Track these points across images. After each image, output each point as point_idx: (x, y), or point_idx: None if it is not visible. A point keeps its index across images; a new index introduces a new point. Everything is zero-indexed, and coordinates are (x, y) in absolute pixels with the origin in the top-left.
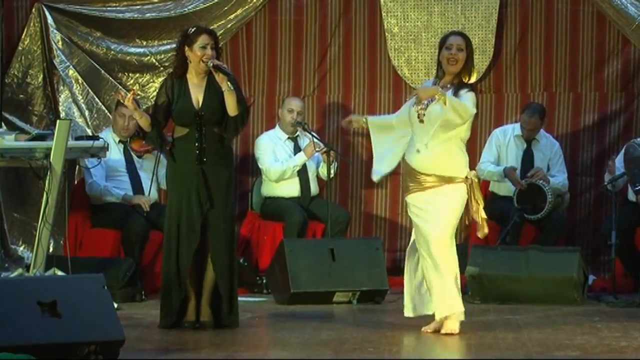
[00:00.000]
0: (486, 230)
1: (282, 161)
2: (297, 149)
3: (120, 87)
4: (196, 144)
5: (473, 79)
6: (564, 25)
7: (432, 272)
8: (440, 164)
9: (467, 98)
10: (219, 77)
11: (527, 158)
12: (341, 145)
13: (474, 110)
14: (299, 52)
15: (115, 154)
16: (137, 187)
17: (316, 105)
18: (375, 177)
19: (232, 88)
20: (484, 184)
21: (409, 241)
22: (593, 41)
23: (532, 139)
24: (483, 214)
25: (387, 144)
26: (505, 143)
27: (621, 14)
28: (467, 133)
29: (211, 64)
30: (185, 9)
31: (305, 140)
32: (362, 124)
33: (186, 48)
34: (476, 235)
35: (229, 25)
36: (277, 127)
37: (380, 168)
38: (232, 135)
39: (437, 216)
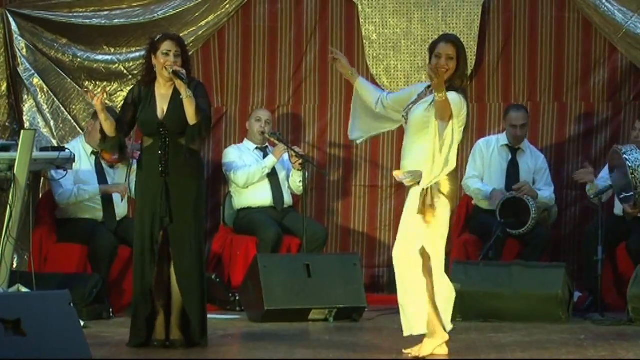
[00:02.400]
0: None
1: (249, 165)
2: (266, 157)
3: (89, 89)
4: (160, 155)
5: (465, 84)
6: (549, 33)
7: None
8: (414, 167)
9: (454, 102)
10: (178, 84)
11: (513, 169)
12: (317, 156)
13: (451, 111)
14: (273, 60)
15: (86, 164)
16: (108, 200)
17: (291, 116)
18: (356, 137)
19: (190, 95)
20: (467, 197)
21: (388, 257)
22: (579, 49)
23: (517, 148)
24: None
25: (369, 113)
26: (489, 154)
27: (608, 20)
28: (457, 135)
29: (171, 70)
30: (155, 15)
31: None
32: (347, 74)
33: (152, 56)
34: (458, 250)
35: (200, 32)
36: (245, 139)
37: (359, 131)
38: (191, 145)
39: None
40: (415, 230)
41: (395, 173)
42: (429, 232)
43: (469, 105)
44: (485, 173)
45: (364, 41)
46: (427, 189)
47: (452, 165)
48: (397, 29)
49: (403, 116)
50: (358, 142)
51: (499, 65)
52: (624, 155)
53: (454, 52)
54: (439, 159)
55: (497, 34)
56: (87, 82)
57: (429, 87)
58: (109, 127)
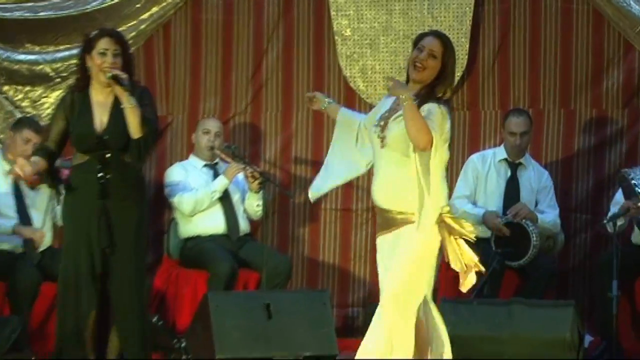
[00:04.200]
0: (473, 280)
1: (196, 188)
2: (217, 177)
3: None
4: (98, 175)
5: (449, 93)
6: (554, 28)
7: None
8: (400, 196)
9: (432, 114)
10: (118, 91)
11: (512, 188)
12: (280, 175)
13: (433, 135)
14: (228, 60)
15: (1, 186)
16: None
17: (249, 126)
18: (313, 195)
19: (133, 104)
20: None
21: (364, 294)
22: (589, 47)
23: (518, 163)
24: (468, 260)
25: (347, 154)
26: (484, 172)
27: (623, 13)
28: (442, 155)
29: (110, 75)
30: (88, 7)
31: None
32: (323, 106)
33: (87, 56)
34: (446, 286)
35: (143, 27)
36: (191, 156)
37: (323, 184)
38: (135, 162)
39: (393, 269)
40: (417, 276)
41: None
42: (395, 271)
43: (453, 120)
44: (480, 193)
45: (336, 37)
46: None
47: (445, 199)
48: (374, 22)
49: (377, 134)
50: (313, 198)
51: (495, 66)
52: (633, 181)
53: (439, 51)
54: (429, 202)
55: (492, 28)
56: (6, 87)
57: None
58: (41, 168)
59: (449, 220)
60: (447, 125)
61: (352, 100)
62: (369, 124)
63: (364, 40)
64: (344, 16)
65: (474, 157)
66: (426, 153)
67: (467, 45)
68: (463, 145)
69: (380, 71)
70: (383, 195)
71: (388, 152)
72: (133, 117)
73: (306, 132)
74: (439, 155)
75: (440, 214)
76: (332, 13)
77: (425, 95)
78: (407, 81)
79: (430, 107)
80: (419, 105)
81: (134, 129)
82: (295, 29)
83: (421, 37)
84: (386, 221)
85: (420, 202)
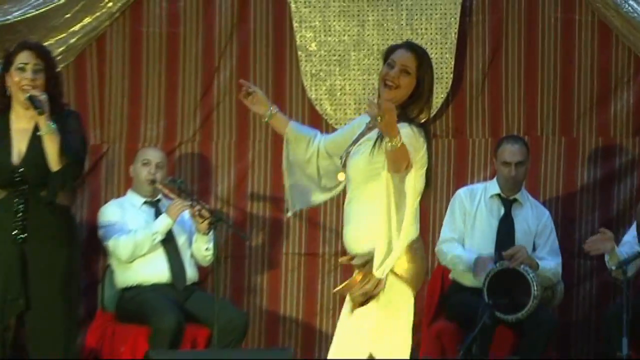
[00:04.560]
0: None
1: (135, 229)
2: (159, 216)
3: None
4: (16, 214)
5: (425, 116)
6: (554, 42)
7: None
8: (373, 237)
9: (404, 136)
10: (38, 116)
11: (506, 229)
12: (234, 213)
13: (410, 159)
14: (173, 79)
15: None
16: None
17: (198, 157)
18: (290, 211)
19: (51, 130)
20: (442, 269)
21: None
22: (594, 64)
23: (513, 199)
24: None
25: (311, 180)
26: (472, 209)
27: (633, 25)
28: (416, 183)
29: (27, 95)
30: (10, 17)
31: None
32: (266, 114)
33: (6, 74)
34: (428, 343)
35: (73, 40)
36: (129, 191)
37: (299, 200)
38: (50, 198)
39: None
40: (362, 333)
41: (342, 260)
42: (381, 333)
43: (430, 146)
44: (468, 234)
45: (299, 53)
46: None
47: (414, 232)
48: (344, 35)
49: (342, 163)
50: (289, 214)
51: (484, 86)
52: None
53: (413, 66)
54: (396, 231)
55: (482, 42)
56: None
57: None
58: None
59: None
60: (423, 149)
61: (319, 125)
62: (334, 149)
63: (332, 56)
64: (309, 28)
65: (461, 193)
66: (401, 175)
67: (453, 62)
68: (448, 178)
69: (350, 92)
70: (353, 237)
71: (352, 183)
72: (51, 145)
73: (264, 164)
74: (413, 182)
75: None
76: (295, 24)
77: (399, 116)
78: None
79: (405, 133)
80: None
81: (52, 159)
82: (251, 43)
83: (391, 50)
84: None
85: (385, 229)
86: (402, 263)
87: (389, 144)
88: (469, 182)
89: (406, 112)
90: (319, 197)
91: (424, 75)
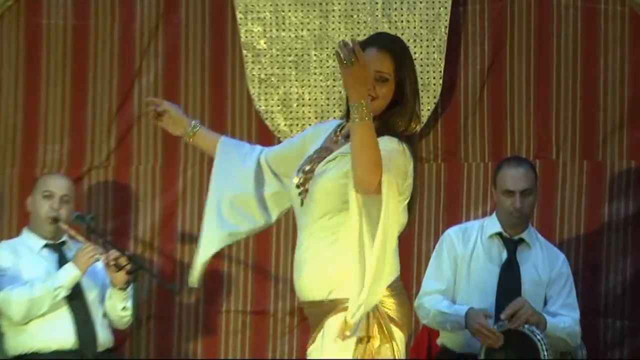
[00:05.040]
0: None
1: (31, 281)
2: (63, 263)
3: None
4: None
5: (414, 128)
6: (572, 39)
7: None
8: (334, 278)
9: (388, 150)
10: None
11: (509, 280)
12: (159, 260)
13: (384, 175)
14: (81, 86)
15: None
16: None
17: (113, 186)
18: (192, 278)
19: None
20: (427, 331)
21: None
22: (625, 67)
23: (518, 239)
24: None
25: (241, 203)
26: (467, 253)
27: None
28: (396, 213)
29: None
30: None
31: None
32: (186, 132)
33: None
34: None
35: None
36: (24, 231)
37: (204, 250)
38: None
39: None
40: None
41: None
42: None
43: (416, 165)
44: (461, 285)
45: (244, 52)
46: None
47: (395, 271)
48: (302, 30)
49: (296, 187)
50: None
51: (484, 96)
52: None
53: (390, 70)
54: (371, 268)
55: (481, 40)
56: None
57: (341, 127)
58: None
59: (385, 313)
60: (410, 172)
61: (269, 145)
62: (281, 165)
63: (287, 57)
64: (257, 20)
65: (451, 233)
66: (374, 198)
67: (443, 65)
68: (437, 213)
69: (311, 103)
70: (309, 280)
71: (314, 213)
72: None
73: (198, 195)
74: (392, 211)
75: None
76: (239, 16)
77: (379, 129)
78: (348, 115)
79: (385, 141)
80: None
81: None
82: (182, 38)
83: (363, 46)
84: (317, 319)
85: (359, 267)
86: (389, 304)
87: (354, 114)
88: (463, 217)
89: (389, 125)
90: (260, 222)
91: (405, 77)
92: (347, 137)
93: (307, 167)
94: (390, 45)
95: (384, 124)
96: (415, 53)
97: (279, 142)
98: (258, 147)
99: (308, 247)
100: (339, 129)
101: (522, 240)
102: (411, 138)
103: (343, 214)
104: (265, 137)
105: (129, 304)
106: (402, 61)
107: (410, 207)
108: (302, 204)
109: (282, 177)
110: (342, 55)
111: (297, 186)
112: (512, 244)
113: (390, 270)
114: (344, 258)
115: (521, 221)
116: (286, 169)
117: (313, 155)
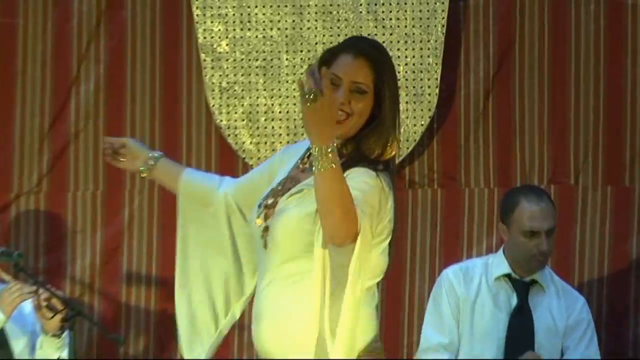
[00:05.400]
0: None
1: None
2: None
3: None
4: None
5: (391, 153)
6: (594, 39)
7: None
8: (298, 334)
9: (362, 189)
10: None
11: (520, 329)
12: (102, 303)
13: (360, 224)
14: (6, 98)
15: None
16: None
17: (45, 216)
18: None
19: None
20: None
21: None
22: None
23: (531, 282)
24: None
25: (214, 260)
26: (469, 298)
27: None
28: (371, 260)
29: None
30: None
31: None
32: (141, 167)
33: None
34: None
35: None
36: None
37: (199, 347)
38: None
39: None
40: None
41: None
42: None
43: (398, 202)
44: (464, 336)
45: (203, 56)
46: None
47: (370, 330)
48: (272, 29)
49: (258, 225)
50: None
51: (488, 108)
52: None
53: (368, 80)
54: (331, 331)
55: (485, 41)
56: None
57: (308, 156)
58: None
59: None
60: (388, 207)
61: (233, 168)
62: (247, 199)
63: (253, 62)
64: (217, 18)
65: (450, 274)
66: (344, 249)
67: (439, 72)
68: (432, 249)
69: (282, 116)
70: (267, 334)
71: (275, 257)
72: None
73: (148, 227)
74: (365, 261)
75: None
76: (196, 12)
77: (352, 155)
78: None
79: (358, 175)
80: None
81: None
82: (128, 39)
83: (332, 54)
84: None
85: (315, 335)
86: None
87: (318, 160)
88: (464, 254)
89: (362, 149)
90: (248, 288)
91: (385, 88)
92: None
93: (270, 201)
94: (369, 51)
95: (357, 149)
96: (406, 57)
97: (244, 163)
98: (226, 182)
99: (268, 296)
100: (306, 154)
101: (534, 283)
102: (389, 165)
103: (309, 257)
104: (228, 157)
105: (65, 354)
106: (383, 70)
107: (391, 246)
108: (265, 245)
109: (247, 212)
110: (305, 87)
111: (257, 224)
112: (523, 287)
113: (365, 329)
114: (308, 313)
115: (544, 264)
116: (251, 202)
117: (277, 187)
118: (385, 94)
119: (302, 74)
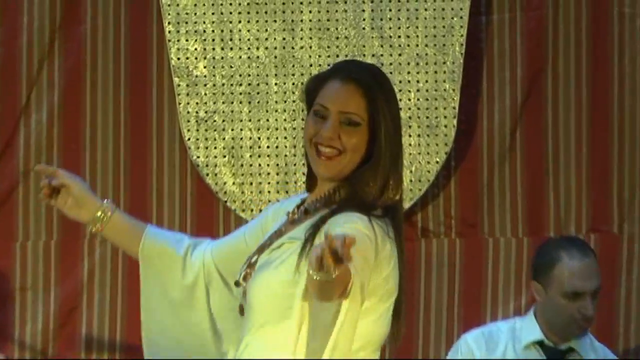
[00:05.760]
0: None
1: None
2: None
3: None
4: None
5: (393, 197)
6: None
7: None
8: None
9: (356, 238)
10: None
11: None
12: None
13: (349, 282)
14: None
15: None
16: None
17: None
18: None
19: None
20: None
21: None
22: None
23: (567, 349)
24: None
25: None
26: None
27: None
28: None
29: None
30: None
31: None
32: (95, 219)
33: None
34: None
35: None
36: None
37: None
38: None
39: None
40: None
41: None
42: None
43: (402, 252)
44: None
45: (176, 80)
46: None
47: None
48: (258, 49)
49: (235, 282)
50: None
51: (515, 143)
52: None
53: (360, 109)
54: None
55: (512, 63)
56: None
57: (299, 206)
58: None
59: None
60: (385, 257)
61: (211, 212)
62: (227, 265)
63: (237, 87)
64: (194, 35)
65: (470, 339)
66: (330, 306)
67: (457, 100)
68: (449, 310)
69: (270, 152)
70: None
71: (251, 319)
72: None
73: (110, 282)
74: (351, 321)
75: None
76: (169, 28)
77: (345, 200)
78: (309, 176)
79: (347, 219)
80: (331, 214)
81: None
82: (87, 60)
83: (318, 82)
84: None
85: None
86: None
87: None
88: (487, 317)
89: (357, 192)
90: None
91: (380, 119)
92: (305, 213)
93: (253, 258)
94: (360, 75)
95: (351, 189)
96: (418, 82)
97: (225, 208)
98: (203, 245)
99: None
100: (296, 207)
101: (571, 351)
102: (390, 208)
103: (288, 323)
104: (206, 201)
105: None
106: (378, 97)
107: (396, 307)
108: (241, 311)
109: (228, 277)
110: (310, 267)
111: (237, 283)
112: (558, 356)
113: None
114: None
115: (586, 331)
116: (234, 267)
117: (266, 241)
118: (380, 125)
119: (294, 101)
